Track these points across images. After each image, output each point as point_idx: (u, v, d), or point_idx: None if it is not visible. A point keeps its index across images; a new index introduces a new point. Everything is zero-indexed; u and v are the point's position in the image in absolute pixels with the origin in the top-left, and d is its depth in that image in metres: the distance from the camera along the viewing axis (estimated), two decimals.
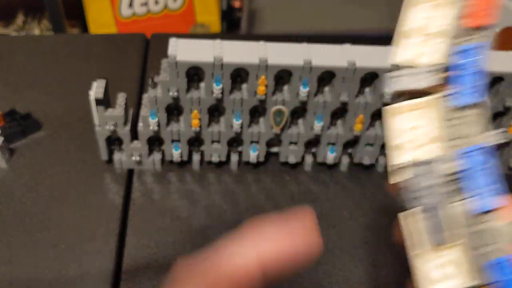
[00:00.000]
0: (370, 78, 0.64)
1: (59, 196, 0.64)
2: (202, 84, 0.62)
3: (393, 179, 0.34)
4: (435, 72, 0.33)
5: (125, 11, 1.69)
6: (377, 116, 0.68)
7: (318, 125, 0.65)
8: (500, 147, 0.66)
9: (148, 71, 0.86)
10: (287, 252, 0.32)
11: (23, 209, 0.62)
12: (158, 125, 0.63)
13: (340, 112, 0.67)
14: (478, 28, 0.32)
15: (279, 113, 0.63)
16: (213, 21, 1.79)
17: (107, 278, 0.56)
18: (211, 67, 0.58)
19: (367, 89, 0.65)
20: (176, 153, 0.66)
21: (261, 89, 0.60)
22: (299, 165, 0.71)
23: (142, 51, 0.90)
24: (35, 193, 0.64)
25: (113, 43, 0.92)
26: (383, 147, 0.69)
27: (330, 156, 0.68)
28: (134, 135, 0.66)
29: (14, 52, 0.87)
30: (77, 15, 1.73)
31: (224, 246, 0.32)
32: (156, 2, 1.72)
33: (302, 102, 0.63)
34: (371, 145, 0.69)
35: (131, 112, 0.66)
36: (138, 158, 0.67)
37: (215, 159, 0.68)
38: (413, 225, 0.34)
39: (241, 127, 0.64)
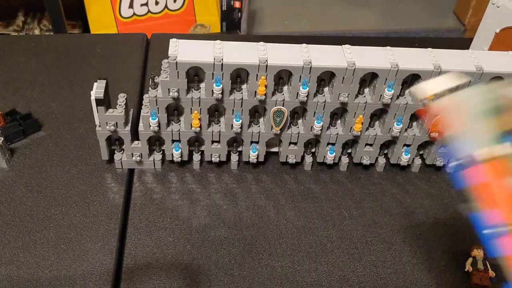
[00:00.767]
0: (370, 78, 0.64)
1: (59, 196, 0.64)
2: (202, 85, 0.62)
3: None
4: None
5: (125, 11, 1.70)
6: (376, 116, 0.68)
7: (317, 125, 0.65)
8: None
9: (148, 71, 0.86)
10: None
11: (23, 209, 0.62)
12: (159, 125, 0.64)
13: (339, 112, 0.67)
14: None
15: (279, 113, 0.63)
16: (213, 21, 1.79)
17: (107, 277, 0.56)
18: (211, 67, 0.59)
19: (366, 90, 0.65)
20: (176, 153, 0.66)
21: (261, 89, 0.60)
22: (299, 165, 0.71)
23: (142, 51, 0.90)
24: (35, 193, 0.64)
25: (113, 43, 0.92)
26: (382, 147, 0.70)
27: (330, 156, 0.69)
28: (135, 135, 0.66)
29: (14, 52, 0.87)
30: (77, 15, 1.73)
31: None
32: (156, 3, 1.72)
33: (302, 102, 0.63)
34: (371, 145, 0.69)
35: (131, 112, 0.66)
36: (138, 158, 0.67)
37: (215, 159, 0.68)
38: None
39: (241, 127, 0.65)
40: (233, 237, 0.61)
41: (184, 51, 0.59)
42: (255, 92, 0.61)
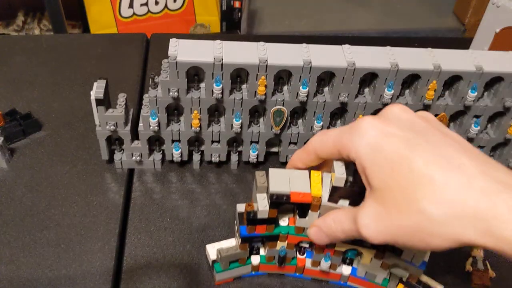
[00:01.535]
0: (370, 78, 0.64)
1: (59, 196, 0.64)
2: (202, 84, 0.62)
3: None
4: None
5: (125, 11, 1.70)
6: None
7: (317, 125, 0.65)
8: None
9: (148, 71, 0.86)
10: None
11: (23, 209, 0.62)
12: (159, 125, 0.64)
13: (339, 112, 0.67)
14: None
15: (279, 113, 0.64)
16: (213, 21, 1.79)
17: (107, 277, 0.56)
18: (211, 67, 0.59)
19: (366, 89, 0.65)
20: (176, 153, 0.66)
21: (261, 89, 0.60)
22: None
23: (142, 51, 0.90)
24: (35, 193, 0.64)
25: (113, 43, 0.92)
26: None
27: None
28: (135, 135, 0.66)
29: (14, 52, 0.87)
30: (77, 15, 1.73)
31: None
32: (156, 2, 1.72)
33: (302, 102, 0.63)
34: None
35: (131, 112, 0.66)
36: (138, 158, 0.67)
37: (215, 159, 0.68)
38: None
39: (241, 127, 0.65)
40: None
41: (184, 51, 0.59)
42: (255, 92, 0.61)
